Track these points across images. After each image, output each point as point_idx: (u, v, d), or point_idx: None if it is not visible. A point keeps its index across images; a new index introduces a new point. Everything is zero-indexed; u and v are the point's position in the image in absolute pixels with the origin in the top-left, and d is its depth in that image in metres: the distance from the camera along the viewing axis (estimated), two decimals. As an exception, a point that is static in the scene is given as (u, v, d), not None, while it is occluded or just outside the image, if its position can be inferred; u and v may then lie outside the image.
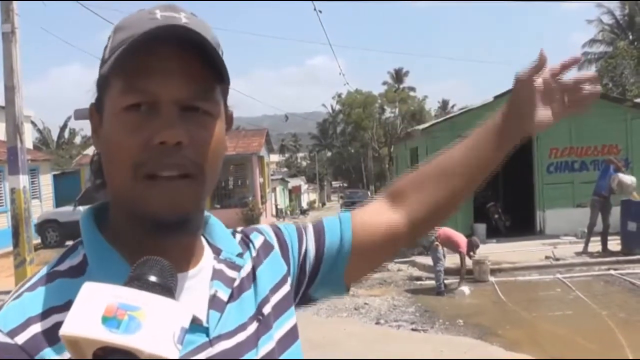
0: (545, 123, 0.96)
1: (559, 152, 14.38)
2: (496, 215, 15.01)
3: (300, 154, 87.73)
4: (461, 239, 9.32)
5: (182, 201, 0.73)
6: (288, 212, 41.45)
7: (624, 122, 14.32)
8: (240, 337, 0.78)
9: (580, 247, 11.54)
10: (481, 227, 13.52)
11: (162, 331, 0.56)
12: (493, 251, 11.46)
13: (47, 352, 0.66)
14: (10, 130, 9.02)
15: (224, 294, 0.79)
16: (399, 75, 63.82)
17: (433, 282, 9.44)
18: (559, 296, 8.83)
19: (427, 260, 10.17)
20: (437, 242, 9.12)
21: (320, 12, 18.49)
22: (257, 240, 0.91)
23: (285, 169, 70.52)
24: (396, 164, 24.93)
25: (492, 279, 9.91)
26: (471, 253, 9.62)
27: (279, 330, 0.84)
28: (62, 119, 50.17)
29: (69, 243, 0.88)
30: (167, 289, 0.60)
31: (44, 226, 17.99)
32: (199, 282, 0.79)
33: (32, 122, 29.90)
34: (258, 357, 0.79)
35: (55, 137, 41.78)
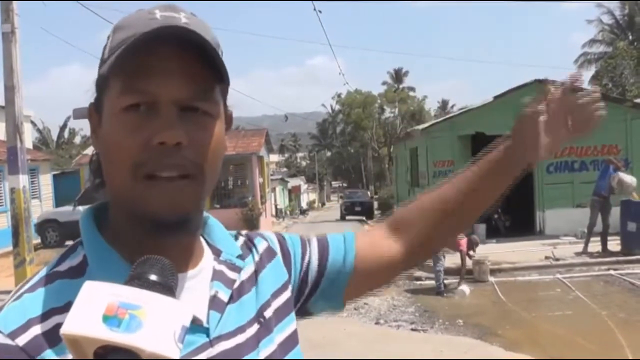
0: (549, 151, 0.95)
1: (559, 152, 14.39)
2: (496, 215, 15.01)
3: (299, 154, 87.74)
4: (461, 238, 9.31)
5: (181, 201, 0.73)
6: (288, 212, 41.41)
7: (624, 122, 14.33)
8: (240, 338, 0.78)
9: (580, 247, 11.54)
10: (481, 227, 13.51)
11: (163, 330, 0.56)
12: (493, 251, 11.46)
13: (48, 353, 0.66)
14: (10, 130, 9.01)
15: (224, 294, 0.79)
16: (398, 75, 63.82)
17: (433, 282, 9.43)
18: (559, 296, 8.83)
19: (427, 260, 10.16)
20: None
21: (320, 12, 18.53)
22: (261, 245, 0.92)
23: (285, 169, 70.48)
24: (396, 164, 24.93)
25: (492, 279, 9.91)
26: (471, 252, 9.62)
27: (280, 334, 0.84)
28: (61, 118, 50.26)
29: (69, 243, 0.88)
30: (168, 288, 0.60)
31: (43, 226, 17.98)
32: (199, 283, 0.79)
33: (32, 122, 29.92)
34: (259, 358, 0.79)
35: (55, 137, 41.82)
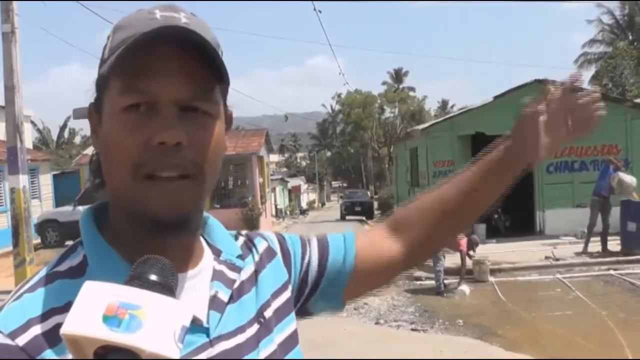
0: (549, 151, 0.95)
1: (559, 152, 14.39)
2: (496, 215, 15.00)
3: (299, 154, 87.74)
4: (461, 238, 9.31)
5: (181, 201, 0.73)
6: (288, 212, 41.40)
7: (624, 122, 14.33)
8: (240, 338, 0.78)
9: (580, 247, 11.54)
10: (481, 227, 13.51)
11: (163, 330, 0.56)
12: (493, 251, 11.46)
13: (48, 353, 0.66)
14: (10, 130, 9.01)
15: (224, 294, 0.79)
16: (398, 75, 63.83)
17: (433, 282, 9.43)
18: (559, 296, 8.83)
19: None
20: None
21: (320, 12, 18.54)
22: (261, 245, 0.92)
23: (285, 169, 70.48)
24: (396, 164, 24.93)
25: (492, 279, 9.91)
26: (471, 252, 9.62)
27: (280, 334, 0.84)
28: (61, 118, 50.27)
29: (69, 243, 0.88)
30: (168, 288, 0.60)
31: (43, 226, 17.98)
32: (199, 283, 0.79)
33: (32, 122, 29.91)
34: (259, 358, 0.79)
35: (55, 137, 41.82)
